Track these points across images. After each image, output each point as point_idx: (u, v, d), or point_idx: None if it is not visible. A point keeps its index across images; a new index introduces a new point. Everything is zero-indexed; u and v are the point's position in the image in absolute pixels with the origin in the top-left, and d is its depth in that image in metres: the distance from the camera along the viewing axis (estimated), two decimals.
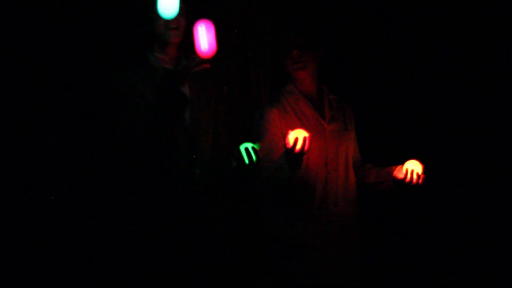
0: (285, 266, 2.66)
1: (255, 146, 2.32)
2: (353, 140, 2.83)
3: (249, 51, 3.33)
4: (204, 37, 2.15)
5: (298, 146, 2.39)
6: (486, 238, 3.22)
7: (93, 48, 2.91)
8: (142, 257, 2.31)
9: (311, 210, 2.67)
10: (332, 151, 2.71)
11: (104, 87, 2.34)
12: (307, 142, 2.40)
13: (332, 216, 2.69)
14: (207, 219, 2.39)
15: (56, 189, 2.83)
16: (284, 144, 2.44)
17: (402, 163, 2.61)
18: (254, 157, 2.29)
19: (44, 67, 2.84)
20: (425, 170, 2.57)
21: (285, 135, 2.56)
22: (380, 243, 3.30)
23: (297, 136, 2.40)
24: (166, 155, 2.32)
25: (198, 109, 2.43)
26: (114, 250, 2.70)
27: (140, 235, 2.32)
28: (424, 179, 2.57)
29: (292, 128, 2.46)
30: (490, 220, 3.23)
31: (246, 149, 2.30)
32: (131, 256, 2.34)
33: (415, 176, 2.56)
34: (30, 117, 2.81)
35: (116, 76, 2.35)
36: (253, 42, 3.33)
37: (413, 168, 2.57)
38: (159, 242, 2.31)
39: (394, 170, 2.66)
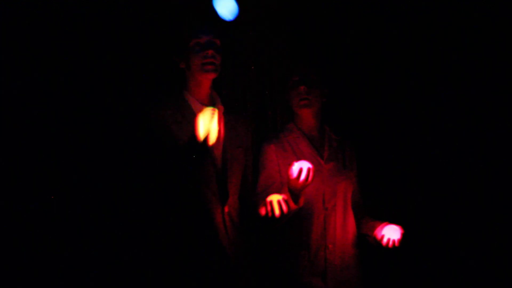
0: None
1: (285, 198, 2.37)
2: (353, 181, 2.83)
3: (266, 88, 3.37)
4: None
5: (302, 177, 2.42)
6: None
7: (131, 83, 2.99)
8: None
9: (310, 248, 2.67)
10: (329, 189, 2.72)
11: (139, 120, 2.43)
12: (311, 173, 2.43)
13: (331, 255, 2.68)
14: (235, 255, 2.43)
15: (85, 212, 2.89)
16: (286, 176, 2.46)
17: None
18: (283, 209, 2.34)
19: (81, 99, 2.95)
20: (404, 235, 2.60)
21: (281, 171, 2.63)
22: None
23: (301, 167, 2.42)
24: (196, 192, 2.38)
25: (231, 151, 2.49)
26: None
27: (168, 267, 2.37)
28: (401, 243, 2.59)
29: (289, 164, 2.48)
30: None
31: (278, 201, 2.35)
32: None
33: (390, 243, 2.58)
34: (65, 139, 2.91)
35: (151, 109, 2.43)
36: (270, 79, 3.37)
37: (389, 235, 2.59)
38: (187, 274, 2.35)
39: (377, 227, 2.68)
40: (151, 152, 2.37)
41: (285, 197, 2.38)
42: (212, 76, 2.46)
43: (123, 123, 2.84)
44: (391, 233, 2.60)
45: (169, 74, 2.79)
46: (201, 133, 2.27)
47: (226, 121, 2.52)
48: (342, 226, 2.73)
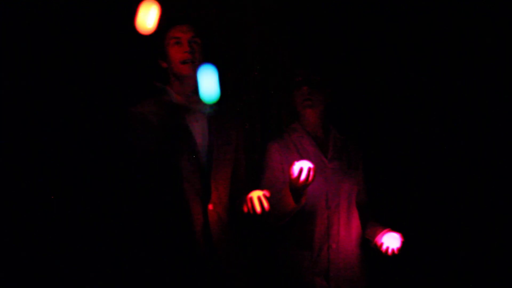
0: None
1: (266, 194, 2.35)
2: (358, 180, 2.83)
3: (271, 87, 3.38)
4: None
5: (303, 177, 2.42)
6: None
7: (115, 81, 2.99)
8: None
9: (312, 247, 2.67)
10: (333, 188, 2.72)
11: (122, 120, 2.43)
12: (311, 173, 2.43)
13: (334, 254, 2.69)
14: (220, 256, 2.41)
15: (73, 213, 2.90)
16: (288, 176, 2.45)
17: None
18: (264, 205, 2.32)
19: (65, 97, 2.95)
20: (403, 243, 2.63)
21: (285, 170, 2.62)
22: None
23: (302, 167, 2.42)
24: (178, 191, 2.37)
25: (217, 148, 2.46)
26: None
27: (152, 270, 2.36)
28: (401, 251, 2.61)
29: (293, 163, 2.48)
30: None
31: (258, 197, 2.33)
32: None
33: (390, 251, 2.60)
34: (55, 141, 2.90)
35: (134, 109, 2.43)
36: (275, 79, 3.37)
37: (389, 244, 2.62)
38: (172, 278, 2.35)
39: (378, 234, 2.70)
40: (134, 151, 2.34)
41: (266, 193, 2.34)
42: (190, 73, 2.45)
43: (106, 122, 2.85)
44: (390, 241, 2.62)
45: (153, 73, 2.80)
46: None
47: (214, 119, 2.50)
48: (346, 226, 2.73)
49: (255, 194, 2.34)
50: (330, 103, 2.85)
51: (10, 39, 2.82)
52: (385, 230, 2.68)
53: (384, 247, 2.61)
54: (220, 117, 2.52)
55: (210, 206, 2.40)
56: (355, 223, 2.78)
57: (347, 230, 2.74)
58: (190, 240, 2.36)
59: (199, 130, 2.45)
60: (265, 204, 2.32)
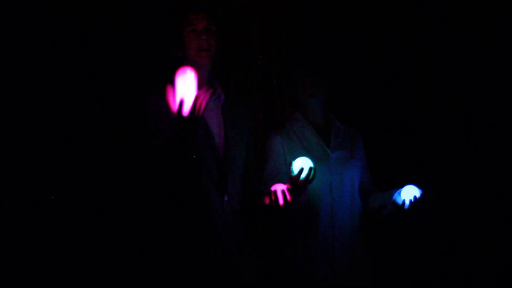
0: None
1: (289, 188, 2.35)
2: (360, 169, 2.83)
3: (274, 77, 3.38)
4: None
5: (303, 177, 2.40)
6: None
7: (130, 72, 3.01)
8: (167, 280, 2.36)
9: (317, 237, 2.68)
10: (336, 178, 2.72)
11: (138, 110, 2.41)
12: (312, 173, 2.41)
13: (339, 244, 2.69)
14: (235, 246, 2.40)
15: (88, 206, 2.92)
16: (287, 171, 2.45)
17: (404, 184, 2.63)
18: (288, 199, 2.32)
19: (82, 89, 2.97)
20: (422, 195, 2.58)
21: (288, 162, 2.60)
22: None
23: (303, 167, 2.40)
24: (196, 181, 2.35)
25: (232, 139, 2.45)
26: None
27: (166, 259, 2.35)
28: (422, 204, 2.57)
29: (295, 154, 2.47)
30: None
31: (282, 191, 2.33)
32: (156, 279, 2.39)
33: (412, 202, 2.55)
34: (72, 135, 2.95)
35: (149, 99, 2.40)
36: (278, 68, 3.37)
37: (410, 194, 2.57)
38: (186, 267, 2.34)
39: (394, 193, 2.65)
40: (152, 143, 2.30)
41: (290, 187, 2.35)
42: (207, 61, 2.42)
43: (124, 117, 2.85)
44: (411, 193, 2.57)
45: (167, 65, 2.81)
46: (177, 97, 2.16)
47: (228, 109, 2.49)
48: (350, 215, 2.74)
49: (279, 187, 2.34)
50: (332, 93, 2.85)
51: (26, 33, 2.84)
52: (400, 189, 2.63)
53: (407, 201, 2.54)
54: (232, 108, 2.52)
55: (226, 197, 2.40)
56: (359, 211, 2.78)
57: (351, 219, 2.74)
58: (207, 231, 2.36)
59: (214, 120, 2.44)
60: (288, 197, 2.32)
